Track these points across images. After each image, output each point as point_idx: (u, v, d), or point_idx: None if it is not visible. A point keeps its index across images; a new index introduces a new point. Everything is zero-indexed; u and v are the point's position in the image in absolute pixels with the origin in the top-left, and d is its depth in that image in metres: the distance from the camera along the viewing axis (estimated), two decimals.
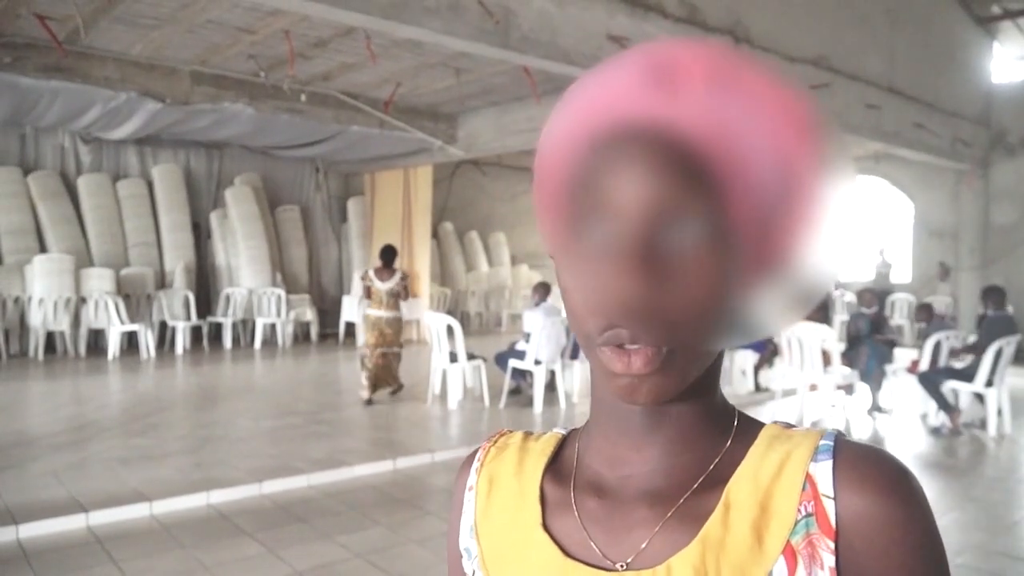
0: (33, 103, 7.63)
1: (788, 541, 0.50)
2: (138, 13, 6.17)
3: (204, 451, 5.02)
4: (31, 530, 3.61)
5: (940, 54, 10.27)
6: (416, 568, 3.38)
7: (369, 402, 6.61)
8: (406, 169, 11.08)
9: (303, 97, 8.19)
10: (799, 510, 0.51)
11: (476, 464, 0.66)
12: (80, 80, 7.05)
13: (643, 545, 0.53)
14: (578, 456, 0.61)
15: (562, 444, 0.64)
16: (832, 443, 0.52)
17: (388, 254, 6.81)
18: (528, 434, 0.67)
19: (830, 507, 0.50)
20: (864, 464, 0.51)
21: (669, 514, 0.53)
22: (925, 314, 7.12)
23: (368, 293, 6.77)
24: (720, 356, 0.56)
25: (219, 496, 4.17)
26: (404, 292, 6.75)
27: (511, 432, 0.68)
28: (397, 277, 6.71)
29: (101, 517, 3.80)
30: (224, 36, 6.77)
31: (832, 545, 0.50)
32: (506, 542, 0.60)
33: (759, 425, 0.58)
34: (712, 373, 0.55)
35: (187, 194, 10.31)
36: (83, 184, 9.50)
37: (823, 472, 0.51)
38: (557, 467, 0.62)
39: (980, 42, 11.49)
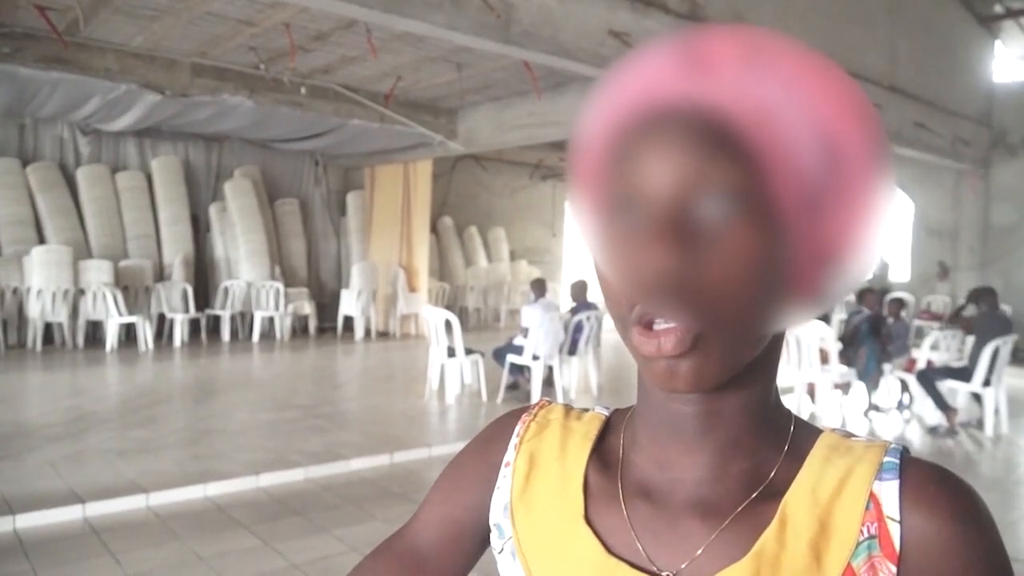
0: (32, 94, 7.60)
1: (849, 563, 0.48)
2: (138, 4, 6.15)
3: (201, 443, 5.02)
4: (28, 520, 3.61)
5: (941, 53, 10.26)
6: None
7: None
8: (406, 163, 11.05)
9: (303, 90, 8.17)
10: (861, 531, 0.49)
11: (515, 439, 0.63)
12: (79, 71, 7.03)
13: (697, 553, 0.51)
14: (623, 448, 0.59)
15: (605, 427, 0.62)
16: (898, 461, 0.51)
17: None
18: (568, 409, 0.65)
19: (895, 530, 0.48)
20: (933, 486, 0.49)
21: (723, 526, 0.51)
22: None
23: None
24: (776, 355, 0.54)
25: (216, 488, 4.17)
26: None
27: (551, 404, 0.66)
28: None
29: (98, 508, 3.80)
30: (224, 28, 6.75)
31: (894, 570, 0.48)
32: (546, 531, 0.58)
33: (815, 432, 0.55)
34: (766, 372, 0.53)
35: (186, 186, 10.27)
36: (82, 175, 9.47)
37: (889, 492, 0.49)
38: (601, 455, 0.60)
39: (982, 41, 11.48)
